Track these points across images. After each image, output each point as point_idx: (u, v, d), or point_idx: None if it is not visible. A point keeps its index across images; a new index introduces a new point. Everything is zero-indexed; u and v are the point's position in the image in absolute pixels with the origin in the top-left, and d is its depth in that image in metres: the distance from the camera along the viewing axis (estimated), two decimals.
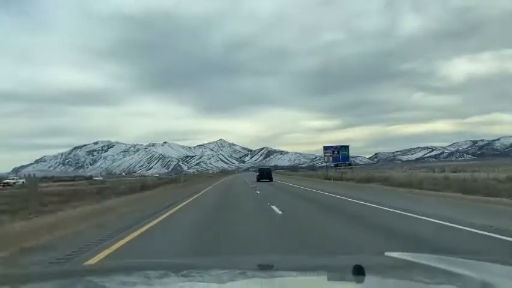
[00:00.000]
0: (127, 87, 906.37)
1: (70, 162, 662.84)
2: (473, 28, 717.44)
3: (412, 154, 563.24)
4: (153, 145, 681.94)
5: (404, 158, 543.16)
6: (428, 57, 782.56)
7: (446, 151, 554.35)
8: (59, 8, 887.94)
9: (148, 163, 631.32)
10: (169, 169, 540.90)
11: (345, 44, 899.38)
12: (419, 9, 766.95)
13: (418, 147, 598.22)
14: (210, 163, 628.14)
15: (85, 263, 5.20)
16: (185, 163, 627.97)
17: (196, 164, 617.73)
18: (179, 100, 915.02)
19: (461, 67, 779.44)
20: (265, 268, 1.69)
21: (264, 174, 43.41)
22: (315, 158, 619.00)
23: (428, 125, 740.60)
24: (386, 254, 1.82)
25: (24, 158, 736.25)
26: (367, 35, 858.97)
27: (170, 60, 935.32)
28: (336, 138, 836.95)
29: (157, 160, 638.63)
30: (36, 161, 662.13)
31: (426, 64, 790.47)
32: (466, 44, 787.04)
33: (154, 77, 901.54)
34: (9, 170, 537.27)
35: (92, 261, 5.48)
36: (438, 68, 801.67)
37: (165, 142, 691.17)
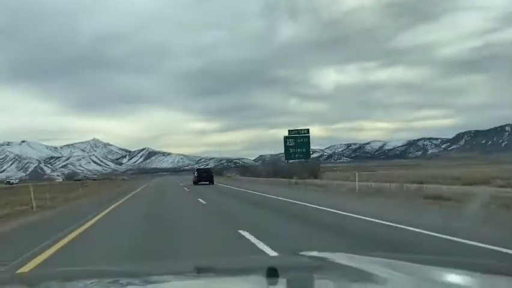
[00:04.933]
0: None
1: None
2: (339, 40, 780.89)
3: None
4: (8, 144, 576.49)
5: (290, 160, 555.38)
6: (303, 66, 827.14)
7: (324, 153, 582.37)
8: None
9: (0, 165, 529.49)
10: (27, 172, 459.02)
11: (226, 46, 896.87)
12: (294, 18, 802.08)
13: None
14: (80, 165, 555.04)
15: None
16: (49, 165, 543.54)
17: (62, 166, 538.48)
18: (43, 94, 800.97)
19: (330, 76, 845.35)
20: (189, 271, 1.58)
21: (203, 175, 38.68)
22: (200, 159, 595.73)
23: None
24: (301, 253, 1.81)
25: None
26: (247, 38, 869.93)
27: (32, 48, 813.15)
28: (218, 140, 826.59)
29: (11, 161, 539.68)
30: None
31: (301, 72, 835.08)
32: (333, 55, 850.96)
33: (11, 65, 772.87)
34: None
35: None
36: (311, 77, 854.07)
37: (24, 141, 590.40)
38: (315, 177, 37.37)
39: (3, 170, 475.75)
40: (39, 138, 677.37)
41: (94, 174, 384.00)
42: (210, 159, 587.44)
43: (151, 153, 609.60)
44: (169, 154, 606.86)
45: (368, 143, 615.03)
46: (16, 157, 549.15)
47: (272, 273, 1.27)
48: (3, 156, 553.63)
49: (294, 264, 1.78)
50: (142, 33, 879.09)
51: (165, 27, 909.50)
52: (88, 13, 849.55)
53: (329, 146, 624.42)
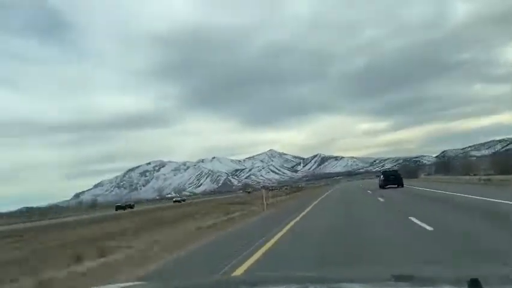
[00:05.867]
0: (173, 107, 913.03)
1: (124, 185, 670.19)
2: None
3: (487, 148, 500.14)
4: (202, 161, 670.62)
5: (478, 153, 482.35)
6: (486, 45, 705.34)
7: None
8: (99, 35, 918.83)
9: (198, 180, 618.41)
10: (219, 184, 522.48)
11: (389, 38, 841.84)
12: None
13: (492, 141, 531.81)
14: (261, 175, 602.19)
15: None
16: (235, 177, 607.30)
17: (246, 177, 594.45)
18: (224, 114, 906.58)
19: None
20: (399, 279, 1.56)
21: (390, 178, 35.89)
22: (374, 161, 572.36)
23: (494, 116, 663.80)
24: (505, 265, 1.56)
25: (84, 184, 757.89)
26: (412, 26, 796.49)
27: (209, 76, 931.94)
28: (391, 139, 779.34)
29: (206, 176, 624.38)
30: (95, 186, 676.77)
31: (484, 52, 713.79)
32: None
33: (196, 94, 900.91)
34: (70, 196, 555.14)
35: None
36: (498, 55, 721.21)
37: (214, 157, 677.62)
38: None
39: (200, 184, 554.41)
40: (226, 154, 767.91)
41: (273, 183, 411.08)
42: (385, 160, 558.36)
43: (324, 159, 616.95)
44: (341, 158, 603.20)
45: None
46: (209, 172, 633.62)
47: (474, 284, 1.16)
48: (200, 172, 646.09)
49: (498, 276, 1.62)
50: (305, 41, 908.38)
51: (326, 31, 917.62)
52: (256, 31, 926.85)
53: None
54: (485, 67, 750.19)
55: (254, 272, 5.47)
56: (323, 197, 31.26)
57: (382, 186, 34.74)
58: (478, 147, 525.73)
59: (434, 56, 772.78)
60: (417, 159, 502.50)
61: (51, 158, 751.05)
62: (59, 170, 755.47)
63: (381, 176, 37.65)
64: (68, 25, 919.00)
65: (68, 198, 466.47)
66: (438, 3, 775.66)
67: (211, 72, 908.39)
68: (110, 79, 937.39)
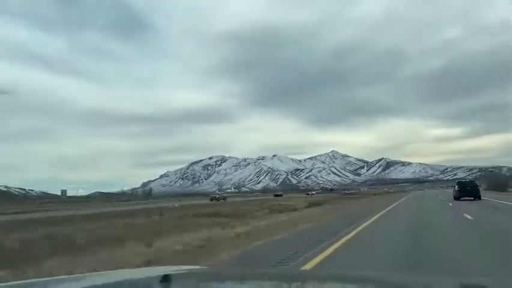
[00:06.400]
0: (239, 103, 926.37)
1: (187, 177, 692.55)
2: None
3: None
4: (262, 158, 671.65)
5: None
6: None
7: None
8: (173, 33, 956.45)
9: (257, 177, 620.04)
10: (278, 183, 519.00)
11: (468, 40, 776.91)
12: None
13: None
14: (321, 176, 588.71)
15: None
16: (295, 176, 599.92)
17: (306, 178, 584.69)
18: (288, 113, 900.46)
19: None
20: None
21: (466, 189, 33.21)
22: (446, 169, 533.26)
23: None
24: None
25: (151, 173, 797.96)
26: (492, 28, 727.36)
27: (276, 74, 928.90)
28: (466, 146, 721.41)
29: (265, 174, 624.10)
30: (161, 176, 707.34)
31: None
32: None
33: (263, 91, 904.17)
34: (139, 184, 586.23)
35: None
36: None
37: (275, 155, 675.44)
38: None
39: (260, 182, 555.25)
40: (287, 153, 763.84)
41: (334, 185, 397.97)
42: (458, 168, 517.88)
43: (389, 163, 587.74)
44: (409, 164, 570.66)
45: None
46: (269, 169, 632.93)
47: None
48: (259, 169, 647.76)
49: None
50: (374, 40, 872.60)
51: (398, 30, 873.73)
52: (322, 31, 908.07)
53: None
54: None
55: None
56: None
57: (457, 197, 33.18)
58: None
59: None
60: (494, 169, 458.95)
61: (123, 147, 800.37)
62: (129, 159, 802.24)
63: (456, 187, 35.56)
64: (147, 26, 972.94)
65: (137, 186, 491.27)
66: None
67: (278, 70, 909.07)
68: (182, 76, 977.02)
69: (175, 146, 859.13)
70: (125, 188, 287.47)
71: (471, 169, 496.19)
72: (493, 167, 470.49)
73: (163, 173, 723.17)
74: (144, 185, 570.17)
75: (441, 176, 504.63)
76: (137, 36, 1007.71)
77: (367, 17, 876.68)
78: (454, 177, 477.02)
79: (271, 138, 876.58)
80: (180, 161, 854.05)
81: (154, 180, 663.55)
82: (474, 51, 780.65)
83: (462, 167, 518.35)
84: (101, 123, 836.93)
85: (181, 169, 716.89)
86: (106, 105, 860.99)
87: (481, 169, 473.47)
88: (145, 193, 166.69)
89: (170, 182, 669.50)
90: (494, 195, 40.10)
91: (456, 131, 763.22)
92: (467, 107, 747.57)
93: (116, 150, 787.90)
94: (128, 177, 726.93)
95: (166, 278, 1.44)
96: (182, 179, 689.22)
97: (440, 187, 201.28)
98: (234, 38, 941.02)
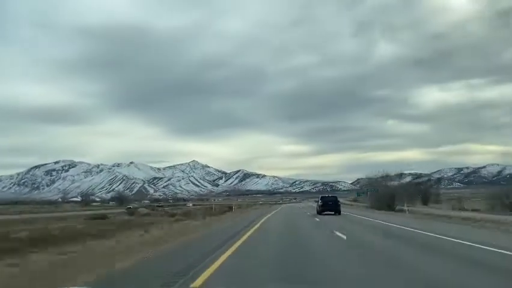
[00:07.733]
0: (93, 105, 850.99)
1: (25, 183, 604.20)
2: (443, 56, 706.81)
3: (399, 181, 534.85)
4: (118, 165, 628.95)
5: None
6: (401, 85, 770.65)
7: (432, 177, 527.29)
8: (18, 20, 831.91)
9: (110, 185, 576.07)
10: (133, 192, 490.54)
11: (318, 67, 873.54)
12: (392, 35, 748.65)
13: (403, 174, 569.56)
14: (180, 186, 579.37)
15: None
16: (152, 185, 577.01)
17: (164, 187, 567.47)
18: (148, 120, 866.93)
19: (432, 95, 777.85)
20: None
21: (329, 204, 35.08)
22: (295, 182, 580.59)
23: (403, 152, 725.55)
24: None
25: None
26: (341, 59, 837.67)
27: (138, 78, 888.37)
28: (312, 163, 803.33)
29: (120, 181, 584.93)
30: None
31: (400, 92, 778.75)
32: (436, 73, 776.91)
33: (121, 95, 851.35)
34: None
35: None
36: (411, 96, 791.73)
37: (132, 162, 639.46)
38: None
39: (112, 190, 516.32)
40: (146, 161, 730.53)
41: (192, 195, 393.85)
42: (305, 181, 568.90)
43: (246, 175, 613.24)
44: (263, 176, 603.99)
45: (483, 167, 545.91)
46: (124, 177, 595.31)
47: None
48: (113, 176, 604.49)
49: None
50: (239, 57, 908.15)
51: (261, 51, 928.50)
52: (188, 41, 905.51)
53: (436, 170, 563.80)
54: (399, 106, 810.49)
55: None
56: None
57: (319, 212, 34.87)
58: (392, 177, 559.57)
59: (357, 89, 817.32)
60: (334, 183, 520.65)
61: None
62: None
63: (320, 201, 37.27)
64: None
65: None
66: (367, 42, 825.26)
67: (141, 75, 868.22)
68: (29, 68, 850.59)
69: (14, 146, 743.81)
70: None
71: (315, 183, 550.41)
72: (334, 182, 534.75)
73: None
74: None
75: (291, 188, 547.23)
76: None
77: (234, 35, 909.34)
78: (301, 189, 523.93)
79: (130, 144, 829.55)
80: (19, 164, 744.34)
81: None
82: (321, 78, 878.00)
83: (308, 181, 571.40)
84: None
85: (19, 174, 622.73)
86: None
87: (323, 183, 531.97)
88: None
89: (3, 187, 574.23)
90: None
91: (304, 148, 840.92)
92: (313, 128, 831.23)
93: None
94: None
95: None
96: (18, 185, 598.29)
97: (289, 201, 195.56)
98: (94, 33, 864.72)
